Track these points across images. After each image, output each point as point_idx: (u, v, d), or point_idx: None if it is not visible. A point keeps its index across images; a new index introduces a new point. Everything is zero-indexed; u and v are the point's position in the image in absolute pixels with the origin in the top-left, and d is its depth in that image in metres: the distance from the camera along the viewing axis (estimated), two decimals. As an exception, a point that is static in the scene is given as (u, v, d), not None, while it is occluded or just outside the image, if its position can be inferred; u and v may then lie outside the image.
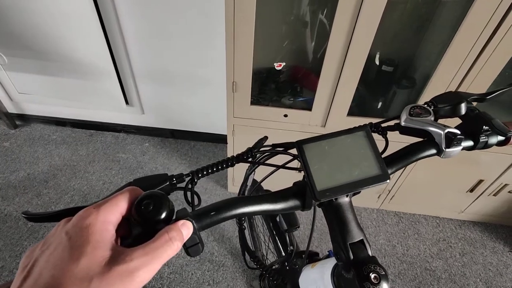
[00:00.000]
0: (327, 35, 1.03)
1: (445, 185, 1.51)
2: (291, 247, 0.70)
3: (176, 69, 1.65)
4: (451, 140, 0.39)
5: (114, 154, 1.90)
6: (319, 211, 0.41)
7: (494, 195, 1.51)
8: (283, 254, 0.72)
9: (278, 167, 0.44)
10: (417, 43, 1.25)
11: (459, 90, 1.12)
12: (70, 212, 0.37)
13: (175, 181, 0.38)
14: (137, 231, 0.31)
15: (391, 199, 1.62)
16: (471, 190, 1.51)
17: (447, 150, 0.40)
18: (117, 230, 0.28)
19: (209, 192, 1.72)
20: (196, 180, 0.39)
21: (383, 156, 0.39)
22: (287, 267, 0.71)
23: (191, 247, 0.31)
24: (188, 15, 1.42)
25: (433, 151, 0.41)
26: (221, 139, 1.96)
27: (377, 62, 1.22)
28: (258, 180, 0.75)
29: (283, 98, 1.35)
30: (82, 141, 1.97)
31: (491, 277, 1.48)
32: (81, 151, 1.90)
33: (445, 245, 1.59)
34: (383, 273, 0.34)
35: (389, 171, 0.38)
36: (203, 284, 1.36)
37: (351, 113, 1.23)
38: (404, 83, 1.27)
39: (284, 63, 1.22)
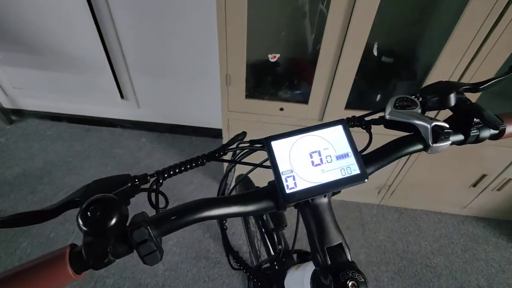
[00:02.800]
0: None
1: (447, 180, 1.47)
2: (280, 246, 0.67)
3: (172, 61, 1.62)
4: (438, 134, 0.35)
5: (110, 150, 1.88)
6: None
7: (498, 190, 1.46)
8: (272, 253, 0.69)
9: (254, 165, 0.41)
10: (417, 33, 1.20)
11: (462, 81, 1.07)
12: (28, 216, 0.34)
13: (137, 182, 0.35)
14: (87, 241, 0.28)
15: (391, 194, 1.58)
16: (474, 185, 1.46)
17: (434, 145, 0.36)
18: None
19: (205, 188, 1.70)
20: (161, 181, 0.36)
21: (366, 152, 0.35)
22: (276, 267, 0.68)
23: (147, 256, 0.28)
24: (184, 4, 1.38)
25: (419, 146, 0.37)
26: (219, 134, 1.92)
27: (375, 53, 1.18)
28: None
29: (279, 91, 1.31)
30: (78, 136, 1.95)
31: (493, 273, 1.44)
32: (77, 147, 1.88)
33: (446, 241, 1.55)
34: (362, 280, 0.30)
35: (369, 170, 0.34)
36: (198, 281, 1.34)
37: (349, 106, 1.19)
38: (404, 75, 1.22)
39: (278, 55, 1.17)
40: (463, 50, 0.98)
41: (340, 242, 0.34)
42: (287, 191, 0.30)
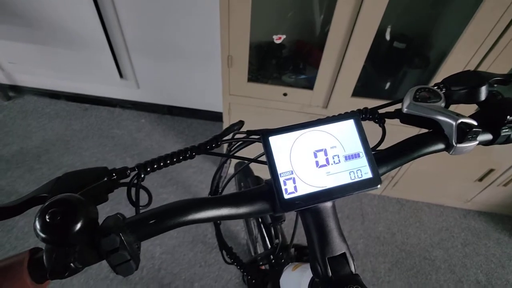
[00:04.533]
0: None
1: (452, 173, 1.43)
2: (277, 241, 0.64)
3: (172, 41, 1.54)
4: (464, 133, 0.30)
5: (109, 130, 1.84)
6: None
7: (504, 185, 1.42)
8: (269, 247, 0.67)
9: (250, 160, 0.37)
10: (434, 17, 1.12)
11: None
12: None
13: (115, 177, 0.30)
14: (47, 249, 0.24)
15: (394, 185, 1.55)
16: (480, 179, 1.42)
17: (458, 145, 0.31)
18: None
19: (205, 172, 1.67)
20: (143, 176, 0.32)
21: (377, 149, 0.31)
22: (273, 261, 0.65)
23: (119, 266, 0.24)
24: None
25: (440, 145, 0.33)
26: (219, 118, 1.88)
27: (388, 38, 1.10)
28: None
29: (284, 75, 1.25)
30: (76, 115, 1.91)
31: (493, 268, 1.43)
32: (75, 126, 1.84)
33: (447, 235, 1.53)
34: None
35: (381, 171, 0.30)
36: (195, 266, 1.33)
37: (356, 93, 1.13)
38: (417, 62, 1.15)
39: (284, 36, 1.10)
40: (481, 39, 0.91)
41: (343, 251, 0.30)
42: (286, 196, 0.26)
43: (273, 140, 0.27)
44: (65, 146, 1.73)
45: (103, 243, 0.23)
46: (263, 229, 0.67)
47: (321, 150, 0.27)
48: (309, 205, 0.26)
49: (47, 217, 0.22)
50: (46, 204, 0.23)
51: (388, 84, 1.23)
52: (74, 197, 0.24)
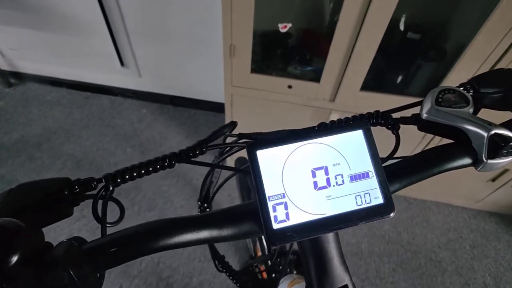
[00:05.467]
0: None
1: (465, 172, 1.35)
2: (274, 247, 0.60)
3: (175, 27, 1.48)
4: (498, 147, 0.25)
5: (110, 120, 1.80)
6: None
7: (518, 186, 1.35)
8: (267, 252, 0.63)
9: (236, 170, 0.32)
10: (453, 6, 1.03)
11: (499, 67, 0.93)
12: None
13: (77, 190, 0.26)
14: None
15: (401, 183, 1.49)
16: (493, 180, 1.35)
17: (489, 161, 0.26)
18: None
19: (201, 158, 1.63)
20: (112, 188, 0.27)
21: (388, 162, 0.26)
22: (270, 266, 0.61)
23: None
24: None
25: (467, 160, 0.27)
26: (222, 109, 1.83)
27: (402, 28, 1.03)
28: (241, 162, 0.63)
29: (289, 66, 1.18)
30: (77, 103, 1.88)
31: (502, 272, 1.37)
32: (76, 114, 1.81)
33: (455, 235, 1.47)
34: None
35: (392, 188, 0.24)
36: (194, 260, 1.31)
37: (365, 87, 1.07)
38: (432, 55, 1.07)
39: (290, 25, 1.04)
40: (505, 30, 0.84)
41: (345, 284, 0.25)
42: (275, 225, 0.21)
43: (262, 154, 0.22)
44: (66, 135, 1.70)
45: (47, 279, 0.19)
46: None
47: (321, 168, 0.22)
48: (304, 237, 0.22)
49: None
50: None
51: (400, 78, 1.16)
52: (11, 223, 0.19)
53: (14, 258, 0.18)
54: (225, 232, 0.25)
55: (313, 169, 0.22)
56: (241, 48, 1.05)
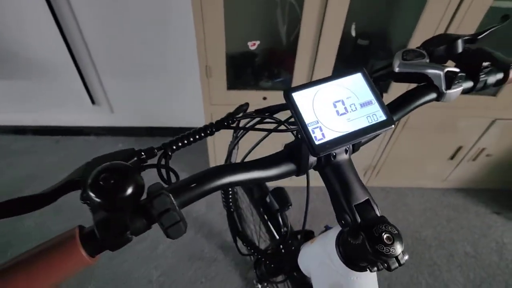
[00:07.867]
0: (298, 17, 0.98)
1: (427, 155, 1.53)
2: (285, 228, 0.65)
3: (145, 59, 1.53)
4: (451, 79, 0.35)
5: (87, 159, 1.76)
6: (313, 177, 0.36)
7: (473, 160, 1.54)
8: (277, 237, 0.67)
9: (269, 131, 0.39)
10: (389, 14, 1.23)
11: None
12: (20, 203, 0.30)
13: (144, 156, 0.31)
14: (101, 217, 0.24)
15: (377, 174, 1.62)
16: (452, 157, 1.53)
17: (447, 91, 0.36)
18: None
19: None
20: (170, 154, 0.33)
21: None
22: (283, 250, 0.66)
23: (171, 227, 0.25)
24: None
25: (433, 95, 0.37)
26: (199, 133, 1.88)
27: (353, 34, 1.19)
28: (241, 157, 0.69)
29: (260, 81, 1.30)
30: (47, 149, 1.82)
31: (476, 239, 1.52)
32: (47, 160, 1.75)
33: (432, 214, 1.61)
34: (396, 232, 0.30)
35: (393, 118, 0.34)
36: (196, 282, 1.29)
37: (331, 89, 1.20)
38: (381, 55, 1.25)
39: (258, 42, 1.16)
40: (434, 27, 1.02)
41: (367, 198, 0.32)
42: (317, 142, 0.28)
43: (296, 95, 0.30)
44: (39, 182, 1.63)
45: (156, 203, 0.24)
46: (268, 220, 0.67)
47: (339, 100, 0.30)
48: (338, 147, 0.29)
49: (100, 182, 0.22)
50: (98, 170, 0.23)
51: (358, 78, 1.31)
52: (123, 164, 0.24)
53: (129, 190, 0.23)
54: (270, 172, 0.32)
55: (334, 102, 0.30)
56: (216, 68, 1.14)
